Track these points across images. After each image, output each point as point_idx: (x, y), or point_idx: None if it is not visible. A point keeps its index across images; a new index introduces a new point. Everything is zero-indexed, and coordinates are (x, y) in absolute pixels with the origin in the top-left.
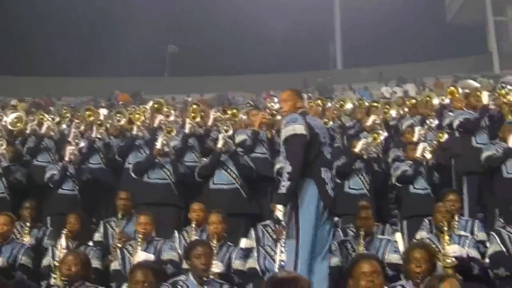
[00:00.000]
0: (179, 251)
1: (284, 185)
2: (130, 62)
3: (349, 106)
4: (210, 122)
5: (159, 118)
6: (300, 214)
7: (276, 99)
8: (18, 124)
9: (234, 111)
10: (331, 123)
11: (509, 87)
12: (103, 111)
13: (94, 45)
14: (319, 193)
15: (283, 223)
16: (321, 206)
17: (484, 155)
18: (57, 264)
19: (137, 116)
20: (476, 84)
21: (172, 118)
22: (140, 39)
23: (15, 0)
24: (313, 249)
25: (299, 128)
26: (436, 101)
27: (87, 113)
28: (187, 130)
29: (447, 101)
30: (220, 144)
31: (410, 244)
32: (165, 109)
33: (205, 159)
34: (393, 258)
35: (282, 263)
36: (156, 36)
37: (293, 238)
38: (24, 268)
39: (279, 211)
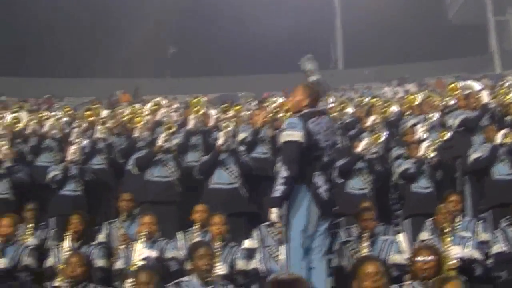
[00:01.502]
0: (182, 251)
1: (278, 189)
2: (132, 63)
3: (349, 110)
4: (211, 123)
5: (162, 111)
6: (290, 218)
7: (279, 99)
8: (17, 125)
9: (237, 107)
10: None
11: (507, 84)
12: (105, 112)
13: (96, 46)
14: (311, 197)
15: (277, 225)
16: (312, 210)
17: (472, 157)
18: (60, 265)
19: (137, 119)
20: (477, 85)
21: (175, 117)
22: (142, 39)
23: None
24: (306, 252)
25: (297, 135)
26: (437, 101)
27: (88, 113)
28: (190, 126)
29: (452, 102)
30: (220, 141)
31: (417, 245)
32: (164, 109)
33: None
34: (397, 258)
35: None
36: (157, 37)
37: (284, 242)
38: (28, 269)
39: (273, 214)
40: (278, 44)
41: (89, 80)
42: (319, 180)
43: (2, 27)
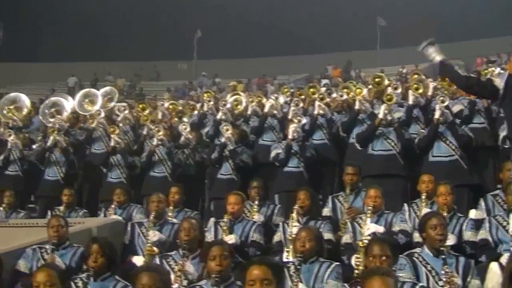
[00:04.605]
0: (410, 223)
1: None
2: (342, 37)
3: None
4: (430, 92)
5: (388, 91)
6: None
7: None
8: (238, 106)
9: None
10: None
11: None
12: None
13: (306, 23)
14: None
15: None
16: None
17: None
18: (289, 239)
19: (358, 90)
20: None
21: (399, 90)
22: (351, 13)
23: None
24: None
25: (497, 82)
26: None
27: (311, 90)
28: (410, 102)
29: None
30: (437, 115)
31: None
32: (387, 82)
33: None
34: None
35: None
36: (367, 9)
37: None
38: (256, 244)
39: None
40: (483, 9)
41: (300, 57)
42: None
43: (214, 12)
